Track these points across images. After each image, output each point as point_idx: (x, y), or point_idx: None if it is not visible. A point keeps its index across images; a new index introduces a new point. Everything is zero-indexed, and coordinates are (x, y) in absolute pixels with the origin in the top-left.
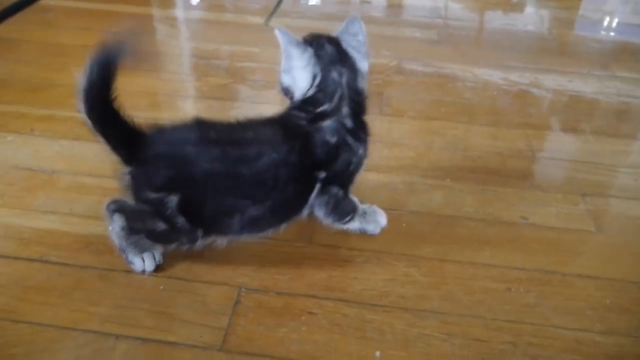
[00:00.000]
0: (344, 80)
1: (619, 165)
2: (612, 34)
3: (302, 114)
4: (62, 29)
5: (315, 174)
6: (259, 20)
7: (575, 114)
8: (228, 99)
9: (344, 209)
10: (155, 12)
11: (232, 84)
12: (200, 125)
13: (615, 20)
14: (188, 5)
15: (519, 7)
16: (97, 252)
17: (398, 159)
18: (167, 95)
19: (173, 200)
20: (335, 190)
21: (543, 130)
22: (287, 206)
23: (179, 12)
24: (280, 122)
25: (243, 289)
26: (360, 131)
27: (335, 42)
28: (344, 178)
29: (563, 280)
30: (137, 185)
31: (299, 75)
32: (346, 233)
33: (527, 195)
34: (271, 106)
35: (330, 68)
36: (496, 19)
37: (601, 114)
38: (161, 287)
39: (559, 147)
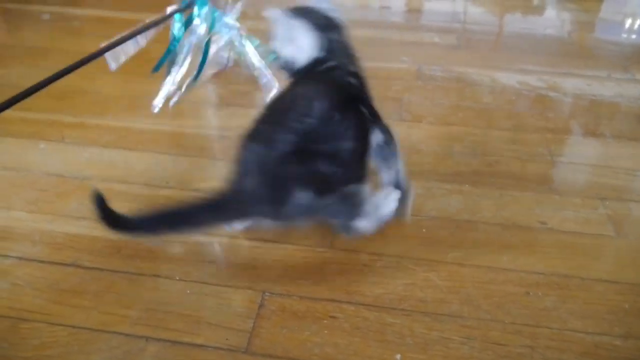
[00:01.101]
0: (337, 38)
1: (639, 170)
2: (633, 36)
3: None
4: (88, 37)
5: (361, 109)
6: None
7: (595, 117)
8: (251, 106)
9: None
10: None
11: (254, 91)
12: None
13: (637, 23)
14: None
15: (538, 10)
16: (127, 257)
17: (417, 165)
18: (190, 103)
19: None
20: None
21: (562, 134)
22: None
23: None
24: (317, 83)
25: (267, 293)
26: (360, 77)
27: (316, 9)
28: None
29: (581, 285)
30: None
31: (304, 42)
32: (366, 238)
33: (546, 199)
34: None
35: (326, 31)
36: (516, 23)
37: (621, 118)
38: (188, 291)
39: (578, 151)
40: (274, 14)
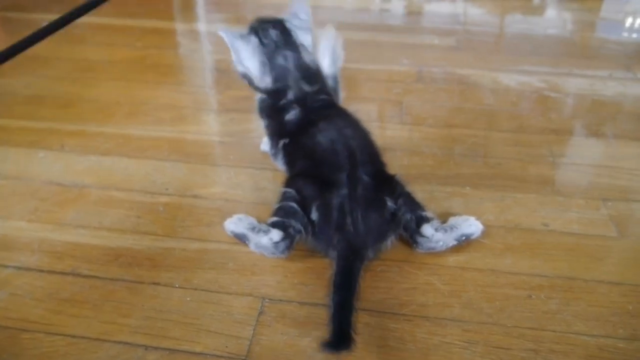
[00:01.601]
0: (291, 63)
1: None
2: (634, 35)
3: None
4: (90, 44)
5: None
6: None
7: (597, 117)
8: (250, 111)
9: None
10: (179, 26)
11: (253, 96)
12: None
13: (638, 21)
14: (211, 19)
15: (539, 10)
16: (125, 265)
17: (417, 167)
18: (191, 109)
19: None
20: None
21: (564, 135)
22: None
23: (202, 26)
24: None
25: (267, 300)
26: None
27: (279, 24)
28: None
29: (585, 287)
30: None
31: (250, 64)
32: None
33: (548, 201)
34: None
35: (276, 53)
36: (516, 24)
37: (623, 118)
38: (187, 299)
39: (580, 151)
40: (224, 35)
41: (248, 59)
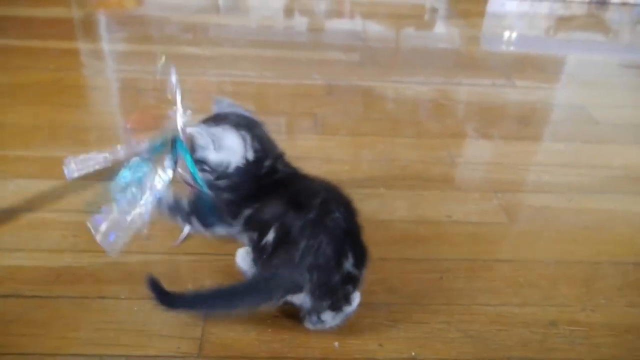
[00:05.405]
0: (262, 134)
1: (524, 164)
2: (512, 47)
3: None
4: (1, 68)
5: None
6: (188, 50)
7: (485, 121)
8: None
9: None
10: (82, 45)
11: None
12: None
13: (514, 35)
14: (114, 38)
15: (430, 25)
16: (68, 283)
17: (335, 173)
18: (115, 129)
19: None
20: None
21: (459, 138)
22: None
23: (105, 45)
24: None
25: None
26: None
27: (230, 113)
28: None
29: (484, 265)
30: None
31: (234, 144)
32: None
33: (450, 196)
34: None
35: (250, 128)
36: (411, 38)
37: (506, 120)
38: (135, 308)
39: (473, 151)
40: (195, 129)
41: (230, 140)
